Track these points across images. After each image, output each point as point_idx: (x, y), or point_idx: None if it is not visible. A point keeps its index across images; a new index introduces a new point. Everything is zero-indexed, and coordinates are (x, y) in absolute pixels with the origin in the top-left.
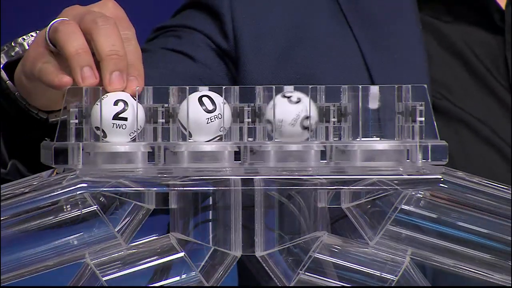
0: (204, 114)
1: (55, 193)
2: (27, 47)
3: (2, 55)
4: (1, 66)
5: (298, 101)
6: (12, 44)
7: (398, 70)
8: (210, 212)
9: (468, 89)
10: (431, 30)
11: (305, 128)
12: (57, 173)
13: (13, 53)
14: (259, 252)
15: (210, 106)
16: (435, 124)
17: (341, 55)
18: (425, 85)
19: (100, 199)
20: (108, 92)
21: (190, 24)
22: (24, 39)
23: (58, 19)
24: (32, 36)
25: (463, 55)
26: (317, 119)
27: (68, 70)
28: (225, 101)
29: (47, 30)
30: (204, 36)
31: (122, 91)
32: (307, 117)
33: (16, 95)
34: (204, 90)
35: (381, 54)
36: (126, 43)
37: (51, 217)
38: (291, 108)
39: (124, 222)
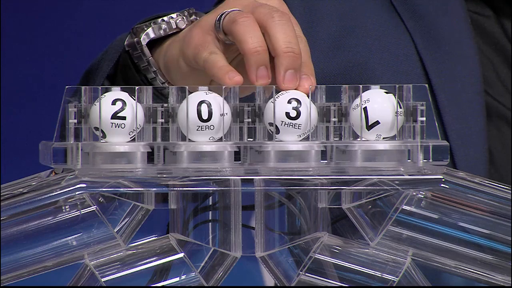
0: (196, 121)
1: (54, 194)
2: (174, 27)
3: (149, 30)
4: (146, 42)
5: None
6: (159, 21)
7: (451, 61)
8: (210, 212)
9: (509, 85)
10: (473, 25)
11: (294, 109)
12: (56, 174)
13: (161, 31)
14: (259, 253)
15: (205, 115)
16: (436, 124)
17: (394, 44)
18: (426, 85)
19: (99, 199)
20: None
21: None
22: (172, 17)
23: (231, 9)
24: (179, 16)
25: (505, 50)
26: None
27: (231, 59)
28: (226, 113)
29: (221, 19)
30: None
31: (295, 89)
32: (295, 99)
33: (157, 72)
34: (208, 93)
35: (433, 46)
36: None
37: (49, 218)
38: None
39: (123, 223)
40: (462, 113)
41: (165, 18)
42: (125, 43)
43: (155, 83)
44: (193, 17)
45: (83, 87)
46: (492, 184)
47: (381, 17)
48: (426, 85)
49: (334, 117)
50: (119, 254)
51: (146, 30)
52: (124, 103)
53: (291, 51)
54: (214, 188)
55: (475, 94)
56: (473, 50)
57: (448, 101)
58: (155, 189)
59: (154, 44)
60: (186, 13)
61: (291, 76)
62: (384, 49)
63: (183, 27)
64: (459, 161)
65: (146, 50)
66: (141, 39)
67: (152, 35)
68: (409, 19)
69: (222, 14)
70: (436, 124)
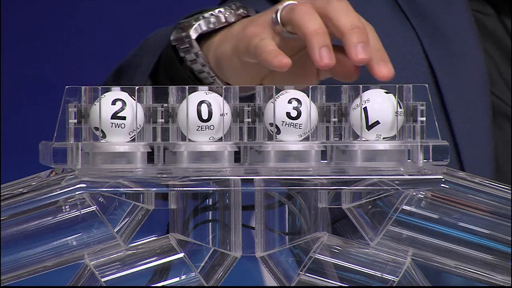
0: (196, 121)
1: (54, 194)
2: (223, 21)
3: (200, 24)
4: (195, 36)
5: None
6: (208, 15)
7: (457, 60)
8: (210, 212)
9: (510, 83)
10: (476, 23)
11: (295, 109)
12: (56, 173)
13: (210, 25)
14: (259, 253)
15: (205, 116)
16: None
17: (400, 42)
18: (426, 85)
19: (99, 199)
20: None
21: (254, 8)
22: (220, 11)
23: (288, 2)
24: (227, 9)
25: (507, 48)
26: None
27: (288, 51)
28: (226, 113)
29: (279, 10)
30: None
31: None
32: (295, 99)
33: (206, 66)
34: (208, 93)
35: (438, 44)
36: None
37: (49, 218)
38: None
39: (123, 223)
40: (469, 112)
41: (214, 12)
42: (172, 37)
43: (202, 75)
44: (241, 10)
45: (83, 87)
46: (492, 184)
47: (387, 14)
48: (426, 85)
49: (334, 117)
50: (119, 254)
51: (194, 24)
52: (124, 103)
53: (355, 27)
54: (214, 188)
55: (481, 93)
56: (478, 49)
57: (454, 99)
58: (155, 189)
59: (200, 39)
60: (233, 7)
61: (363, 48)
62: (390, 47)
63: (232, 20)
64: (465, 160)
65: (195, 44)
66: (190, 33)
67: (201, 29)
68: (414, 17)
69: (279, 9)
70: (437, 124)
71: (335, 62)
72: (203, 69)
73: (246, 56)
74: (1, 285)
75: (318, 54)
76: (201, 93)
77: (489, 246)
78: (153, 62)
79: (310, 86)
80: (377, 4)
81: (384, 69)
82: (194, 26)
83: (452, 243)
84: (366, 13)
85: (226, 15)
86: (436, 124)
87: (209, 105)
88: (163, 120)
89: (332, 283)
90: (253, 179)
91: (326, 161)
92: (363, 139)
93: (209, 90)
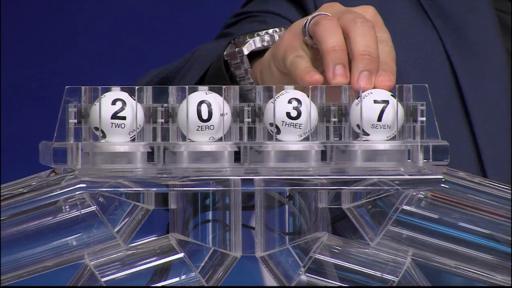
0: (196, 121)
1: (54, 194)
2: (277, 40)
3: (253, 41)
4: (247, 53)
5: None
6: (263, 33)
7: (479, 61)
8: (210, 212)
9: None
10: (498, 23)
11: (295, 109)
12: (56, 173)
13: (264, 43)
14: (259, 253)
15: (205, 115)
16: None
17: (422, 42)
18: (426, 85)
19: (99, 199)
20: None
21: (274, 10)
22: (276, 31)
23: (317, 13)
24: (283, 30)
25: None
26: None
27: (318, 64)
28: (226, 113)
29: (307, 22)
30: (290, 23)
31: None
32: (295, 99)
33: (254, 84)
34: (208, 93)
35: (460, 44)
36: (381, 44)
37: (50, 218)
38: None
39: (123, 223)
40: (490, 112)
41: (269, 31)
42: (225, 52)
43: (250, 95)
44: None
45: (83, 87)
46: (492, 184)
47: (409, 15)
48: (426, 85)
49: (334, 117)
50: (119, 254)
51: (249, 40)
52: (124, 103)
53: (367, 54)
54: (214, 188)
55: (502, 93)
56: (500, 49)
57: (475, 99)
58: (155, 189)
59: (252, 57)
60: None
61: (364, 76)
62: (412, 47)
63: None
64: (486, 160)
65: (246, 60)
66: (243, 48)
67: (254, 47)
68: (436, 18)
69: (308, 19)
70: (436, 124)
71: (348, 80)
72: (250, 87)
73: (281, 67)
74: (1, 285)
75: (332, 72)
76: (201, 93)
77: (489, 246)
78: (199, 74)
79: (310, 86)
80: (400, 4)
81: (383, 79)
82: (249, 42)
83: (452, 243)
84: (389, 13)
85: (280, 35)
86: (436, 124)
87: (209, 105)
88: (163, 120)
89: (332, 283)
90: (253, 179)
91: (326, 161)
92: (363, 138)
93: (209, 90)
